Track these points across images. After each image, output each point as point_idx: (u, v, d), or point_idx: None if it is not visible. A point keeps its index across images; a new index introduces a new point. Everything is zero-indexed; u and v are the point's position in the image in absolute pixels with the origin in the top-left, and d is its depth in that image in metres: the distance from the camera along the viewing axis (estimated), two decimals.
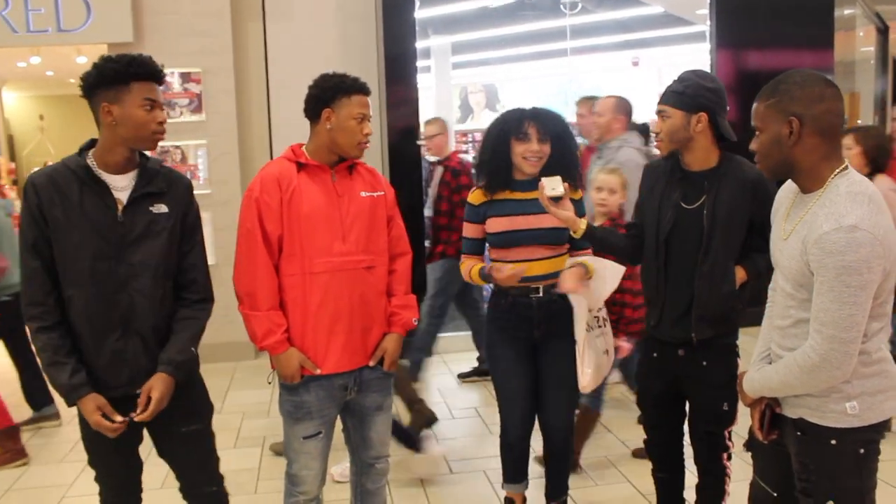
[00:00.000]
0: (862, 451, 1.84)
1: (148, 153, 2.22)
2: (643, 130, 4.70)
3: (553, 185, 2.52)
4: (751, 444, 2.12)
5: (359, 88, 2.40)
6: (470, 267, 2.86)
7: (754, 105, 1.89)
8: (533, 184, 2.70)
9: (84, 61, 9.87)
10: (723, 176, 2.43)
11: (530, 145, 2.69)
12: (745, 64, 6.27)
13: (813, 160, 1.83)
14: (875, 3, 10.74)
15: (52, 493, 3.63)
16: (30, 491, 3.70)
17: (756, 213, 2.41)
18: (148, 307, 2.16)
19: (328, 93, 2.38)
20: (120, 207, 2.12)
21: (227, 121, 5.63)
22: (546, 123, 2.72)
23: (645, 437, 2.76)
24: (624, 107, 4.24)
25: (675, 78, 2.48)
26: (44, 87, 13.80)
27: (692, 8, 7.59)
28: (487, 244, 2.86)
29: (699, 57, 7.13)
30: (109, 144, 2.12)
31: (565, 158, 2.74)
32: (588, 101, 4.77)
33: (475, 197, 2.82)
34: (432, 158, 5.17)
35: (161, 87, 2.17)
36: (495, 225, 2.78)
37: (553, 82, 11.77)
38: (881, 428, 1.86)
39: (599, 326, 2.85)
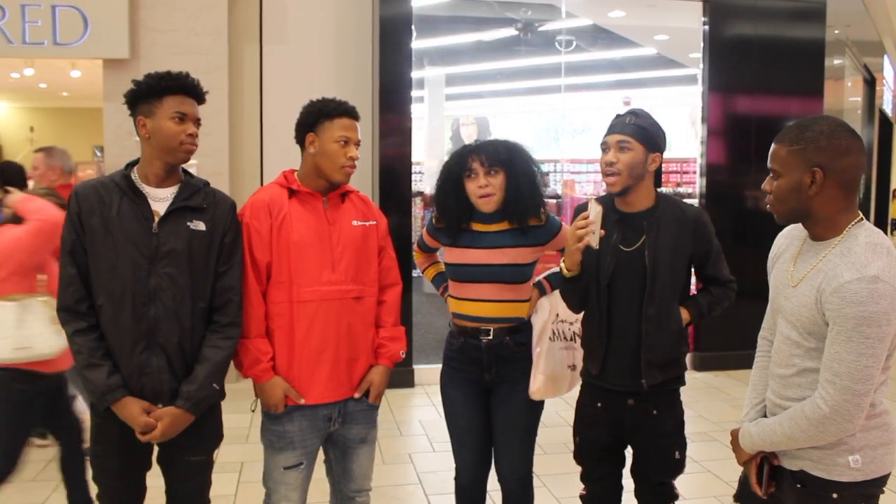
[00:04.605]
0: None
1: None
2: None
3: (594, 241, 2.27)
4: (741, 495, 2.08)
5: (343, 111, 2.36)
6: (427, 263, 2.92)
7: (774, 147, 1.83)
8: (493, 217, 2.60)
9: (78, 75, 9.83)
10: (661, 216, 2.37)
11: (478, 180, 2.53)
12: (736, 108, 6.35)
13: (830, 211, 1.79)
14: (863, 54, 10.97)
15: None
16: None
17: (696, 252, 2.40)
18: (175, 323, 2.15)
19: (311, 117, 2.37)
20: (156, 219, 2.14)
21: (219, 141, 5.60)
22: (491, 153, 2.53)
23: (582, 491, 2.61)
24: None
25: (629, 112, 2.37)
26: (36, 99, 13.75)
27: (685, 51, 7.68)
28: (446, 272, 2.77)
29: (690, 99, 7.21)
30: (148, 157, 2.19)
31: (521, 188, 2.53)
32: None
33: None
34: None
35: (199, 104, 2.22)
36: (449, 254, 2.69)
37: (545, 118, 11.83)
38: (881, 483, 1.83)
39: (567, 339, 2.71)
